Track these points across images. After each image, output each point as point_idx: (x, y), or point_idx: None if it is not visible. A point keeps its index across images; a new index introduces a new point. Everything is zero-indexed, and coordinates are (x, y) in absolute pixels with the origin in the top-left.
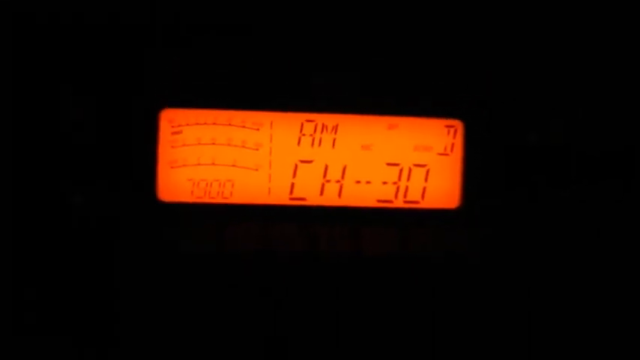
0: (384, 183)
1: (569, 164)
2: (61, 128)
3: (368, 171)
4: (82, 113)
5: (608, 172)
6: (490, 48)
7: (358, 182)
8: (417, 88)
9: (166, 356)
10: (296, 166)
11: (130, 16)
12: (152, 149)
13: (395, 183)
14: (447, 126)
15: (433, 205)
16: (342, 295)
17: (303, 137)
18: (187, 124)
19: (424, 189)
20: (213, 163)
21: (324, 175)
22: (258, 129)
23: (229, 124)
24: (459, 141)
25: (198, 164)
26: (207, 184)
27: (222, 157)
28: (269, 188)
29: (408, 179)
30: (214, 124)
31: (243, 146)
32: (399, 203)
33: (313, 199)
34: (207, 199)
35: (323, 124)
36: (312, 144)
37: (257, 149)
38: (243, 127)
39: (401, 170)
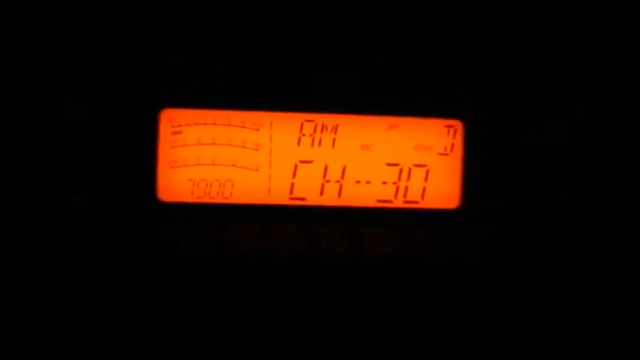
0: (384, 183)
1: (569, 164)
2: (61, 128)
3: (368, 171)
4: (82, 113)
5: (608, 172)
6: (490, 48)
7: (358, 182)
8: (416, 88)
9: (166, 356)
10: (296, 166)
11: (130, 16)
12: (152, 149)
13: (395, 183)
14: (447, 126)
15: (433, 205)
16: (342, 295)
17: (303, 137)
18: (187, 124)
19: (424, 189)
20: (213, 163)
21: (324, 175)
22: (258, 129)
23: (229, 124)
24: (458, 141)
25: (198, 164)
26: (207, 184)
27: (222, 157)
28: (269, 188)
29: (408, 179)
30: (214, 124)
31: (243, 146)
32: (398, 203)
33: (313, 199)
34: (207, 199)
35: (323, 124)
36: (312, 144)
37: (257, 149)
38: (243, 127)
39: (401, 170)
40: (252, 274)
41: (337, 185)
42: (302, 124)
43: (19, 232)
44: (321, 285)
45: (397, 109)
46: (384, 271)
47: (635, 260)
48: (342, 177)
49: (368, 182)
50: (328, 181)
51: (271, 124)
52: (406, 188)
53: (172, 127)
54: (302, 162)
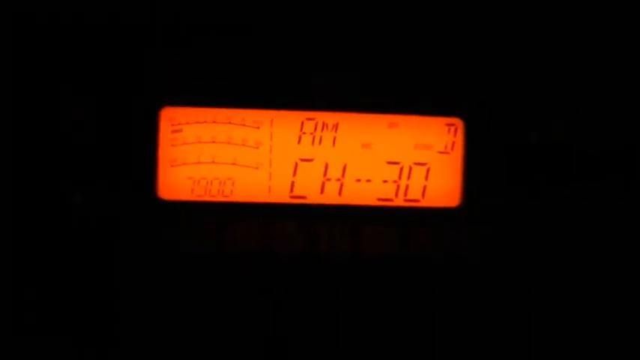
0: (385, 181)
1: (569, 162)
2: (61, 128)
3: (368, 169)
4: (82, 113)
5: (609, 170)
6: (491, 46)
7: (358, 180)
8: (417, 86)
9: (166, 356)
10: (296, 164)
11: (130, 16)
12: (152, 148)
13: (395, 181)
14: (448, 124)
15: (433, 203)
16: (342, 295)
17: (303, 135)
18: (187, 123)
19: (424, 187)
20: (213, 162)
21: (325, 174)
22: (258, 127)
23: (229, 123)
24: (459, 139)
25: (199, 162)
26: (207, 182)
27: (222, 155)
28: (269, 186)
29: (409, 178)
30: (214, 122)
31: (244, 144)
32: (399, 202)
33: (313, 197)
34: (207, 198)
35: (323, 123)
36: (313, 142)
37: (257, 147)
38: (244, 125)
39: (401, 169)
40: (252, 273)
41: (338, 183)
42: (302, 123)
43: (19, 232)
44: (321, 285)
45: (398, 108)
46: (384, 270)
47: (636, 259)
48: (343, 175)
49: (368, 180)
50: (329, 180)
51: (272, 122)
52: (407, 187)
53: (172, 125)
54: (302, 160)
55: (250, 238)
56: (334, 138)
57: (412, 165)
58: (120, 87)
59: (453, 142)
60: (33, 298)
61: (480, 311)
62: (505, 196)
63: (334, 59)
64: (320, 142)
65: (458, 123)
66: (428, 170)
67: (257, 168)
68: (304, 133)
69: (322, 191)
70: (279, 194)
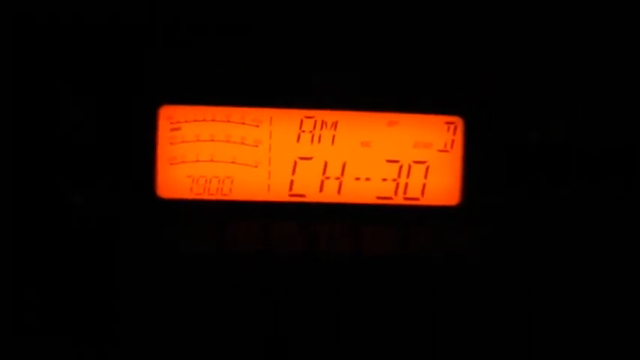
0: (384, 180)
1: (569, 162)
2: (61, 128)
3: (367, 168)
4: (82, 113)
5: (609, 170)
6: (491, 45)
7: (358, 179)
8: (416, 84)
9: (166, 356)
10: (295, 162)
11: (130, 16)
12: (151, 146)
13: (395, 180)
14: (447, 123)
15: (433, 202)
16: (342, 295)
17: (302, 134)
18: (186, 121)
19: (424, 186)
20: (212, 160)
21: (324, 172)
22: (257, 125)
23: (228, 121)
24: (459, 138)
25: (198, 161)
26: (206, 180)
27: (221, 153)
28: (268, 185)
29: (408, 176)
30: (213, 120)
31: (243, 143)
32: (398, 200)
33: (313, 195)
34: (206, 196)
35: (322, 121)
36: (312, 141)
37: (256, 146)
38: (243, 123)
39: (401, 167)
40: (252, 273)
41: (337, 182)
42: (302, 121)
43: (19, 232)
44: (321, 284)
45: (397, 106)
46: (384, 270)
47: (636, 259)
48: (342, 174)
49: (368, 179)
50: (328, 178)
51: (271, 120)
52: (406, 185)
53: (171, 123)
54: (301, 158)
55: (250, 238)
56: (333, 136)
57: (411, 163)
58: (119, 86)
59: (453, 141)
60: (33, 298)
61: (479, 311)
62: (505, 195)
63: (333, 58)
64: (319, 141)
65: (457, 121)
66: (427, 168)
67: (256, 166)
68: (303, 131)
69: (321, 190)
70: (279, 193)
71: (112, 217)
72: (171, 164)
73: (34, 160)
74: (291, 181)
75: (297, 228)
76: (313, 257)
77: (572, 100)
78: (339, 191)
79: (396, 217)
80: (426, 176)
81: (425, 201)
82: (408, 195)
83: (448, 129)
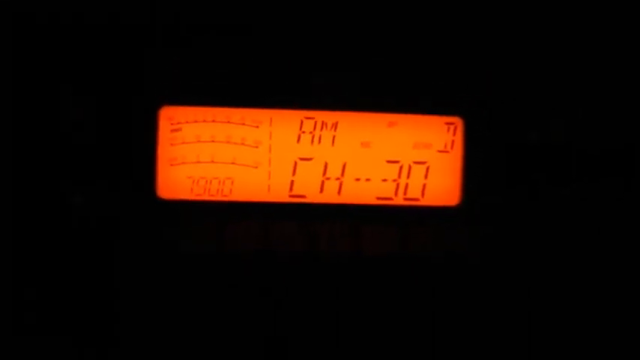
0: (384, 180)
1: (569, 162)
2: (61, 128)
3: (368, 168)
4: (82, 113)
5: (609, 170)
6: (490, 45)
7: (358, 180)
8: (416, 85)
9: (166, 356)
10: (295, 163)
11: (130, 16)
12: (151, 147)
13: (395, 180)
14: (447, 123)
15: (433, 202)
16: (342, 295)
17: (302, 134)
18: (186, 122)
19: (424, 186)
20: (212, 161)
21: (324, 173)
22: (257, 126)
23: (228, 122)
24: (458, 138)
25: (198, 162)
26: (206, 181)
27: (221, 154)
28: (269, 186)
29: (408, 177)
30: (213, 121)
31: (243, 144)
32: (398, 201)
33: (313, 196)
34: (206, 197)
35: (323, 122)
36: (312, 141)
37: (256, 147)
38: (243, 124)
39: (401, 168)
40: (252, 273)
41: (337, 183)
42: (302, 122)
43: (19, 232)
44: (321, 284)
45: (397, 107)
46: (384, 270)
47: (636, 259)
48: (342, 174)
49: (368, 180)
50: (328, 179)
51: (271, 121)
52: (406, 186)
53: (172, 124)
54: (302, 159)
55: (250, 238)
56: (333, 137)
57: (412, 164)
58: (119, 86)
59: (453, 141)
60: (33, 298)
61: (479, 311)
62: (505, 196)
63: (334, 58)
64: (319, 141)
65: (457, 122)
66: (427, 169)
67: (256, 167)
68: (303, 132)
69: (322, 190)
70: (279, 193)
71: (112, 218)
72: (171, 165)
73: (34, 160)
74: (292, 182)
75: (297, 228)
76: (313, 257)
77: (572, 100)
78: (339, 192)
79: (396, 217)
80: (426, 177)
81: (425, 201)
82: (408, 195)
83: (448, 129)
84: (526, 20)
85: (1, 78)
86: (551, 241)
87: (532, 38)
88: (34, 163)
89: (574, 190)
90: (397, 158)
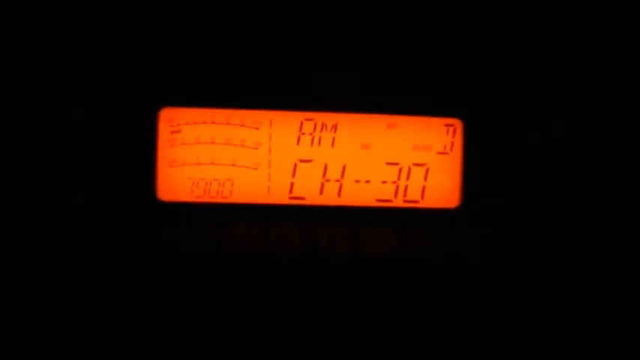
0: (384, 182)
1: (569, 162)
2: (61, 128)
3: (367, 170)
4: (82, 113)
5: (609, 170)
6: (490, 47)
7: (358, 181)
8: (416, 87)
9: (166, 356)
10: (295, 165)
11: (130, 16)
12: (151, 148)
13: (394, 182)
14: (447, 125)
15: (433, 204)
16: (342, 295)
17: (302, 136)
18: (186, 123)
19: (424, 188)
20: (212, 163)
21: (324, 175)
22: (257, 128)
23: (228, 123)
24: (458, 140)
25: (198, 163)
26: (206, 183)
27: (221, 156)
28: (268, 187)
29: (408, 178)
30: (213, 122)
31: (243, 145)
32: (398, 202)
33: (313, 198)
34: (206, 199)
35: (322, 123)
36: (312, 143)
37: (256, 148)
38: (243, 125)
39: (400, 169)
40: (252, 274)
41: (337, 184)
42: (301, 123)
43: (19, 232)
44: (321, 285)
45: (397, 108)
46: (384, 271)
47: (636, 259)
48: (342, 176)
49: (367, 181)
50: (328, 180)
51: (271, 122)
52: (406, 187)
53: (171, 126)
54: (301, 161)
55: (250, 239)
56: (333, 139)
57: (411, 166)
58: (119, 87)
59: (452, 143)
60: (33, 298)
61: (480, 311)
62: (505, 196)
63: (333, 60)
64: (319, 143)
65: (457, 124)
66: (427, 171)
67: (256, 169)
68: (303, 133)
69: (321, 192)
70: (279, 195)
71: (112, 218)
72: (171, 167)
73: (34, 160)
74: (291, 184)
75: (297, 229)
76: (313, 257)
77: (572, 100)
78: (339, 194)
79: (396, 219)
80: (425, 179)
81: (425, 203)
82: (408, 197)
83: (447, 131)
84: (525, 21)
85: (1, 78)
86: (551, 241)
87: (531, 39)
88: (34, 163)
89: (574, 190)
90: (397, 160)
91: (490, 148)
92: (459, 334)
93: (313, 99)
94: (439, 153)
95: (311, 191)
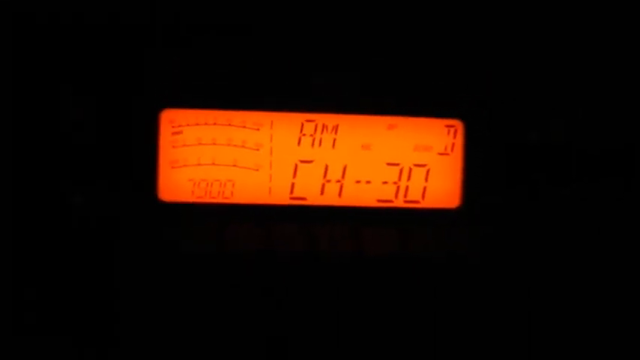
0: (384, 183)
1: (569, 162)
2: (61, 128)
3: (368, 171)
4: (82, 113)
5: (609, 170)
6: (490, 47)
7: (358, 182)
8: (416, 87)
9: (166, 356)
10: (296, 166)
11: (130, 16)
12: (153, 149)
13: (395, 183)
14: (447, 126)
15: (433, 204)
16: (343, 295)
17: (303, 137)
18: (188, 125)
19: (424, 189)
20: (213, 163)
21: (325, 175)
22: (258, 129)
23: (229, 125)
24: (459, 141)
25: (199, 164)
26: (207, 184)
27: (222, 157)
28: (269, 188)
29: (409, 179)
30: (215, 124)
31: (244, 146)
32: (399, 203)
33: (314, 198)
34: (207, 199)
35: (323, 124)
36: (313, 144)
37: (257, 149)
38: (244, 127)
39: (401, 170)
40: (253, 274)
41: (338, 185)
42: (302, 124)
43: (19, 232)
44: (322, 285)
45: (397, 109)
46: (385, 271)
47: (636, 259)
48: (343, 177)
49: (368, 182)
50: (329, 181)
51: (272, 123)
52: (406, 188)
53: (173, 127)
54: (302, 162)
55: (251, 239)
56: (334, 139)
57: (412, 166)
58: (120, 89)
59: (453, 144)
60: (33, 298)
61: (480, 311)
62: (505, 196)
63: (334, 61)
64: (320, 144)
65: (457, 124)
66: (428, 172)
67: (257, 170)
68: (304, 134)
69: (322, 193)
70: (280, 196)
71: (113, 218)
72: (172, 167)
73: (34, 160)
74: (292, 185)
75: (297, 229)
76: (314, 257)
77: (572, 100)
78: (339, 194)
79: (397, 219)
80: (426, 179)
81: (425, 204)
82: (409, 198)
83: (448, 132)
84: (525, 21)
85: (1, 78)
86: (552, 241)
87: (531, 39)
88: (35, 163)
89: (574, 190)
90: (397, 161)
91: (491, 148)
92: (460, 334)
93: (314, 100)
94: (440, 154)
95: (312, 192)
